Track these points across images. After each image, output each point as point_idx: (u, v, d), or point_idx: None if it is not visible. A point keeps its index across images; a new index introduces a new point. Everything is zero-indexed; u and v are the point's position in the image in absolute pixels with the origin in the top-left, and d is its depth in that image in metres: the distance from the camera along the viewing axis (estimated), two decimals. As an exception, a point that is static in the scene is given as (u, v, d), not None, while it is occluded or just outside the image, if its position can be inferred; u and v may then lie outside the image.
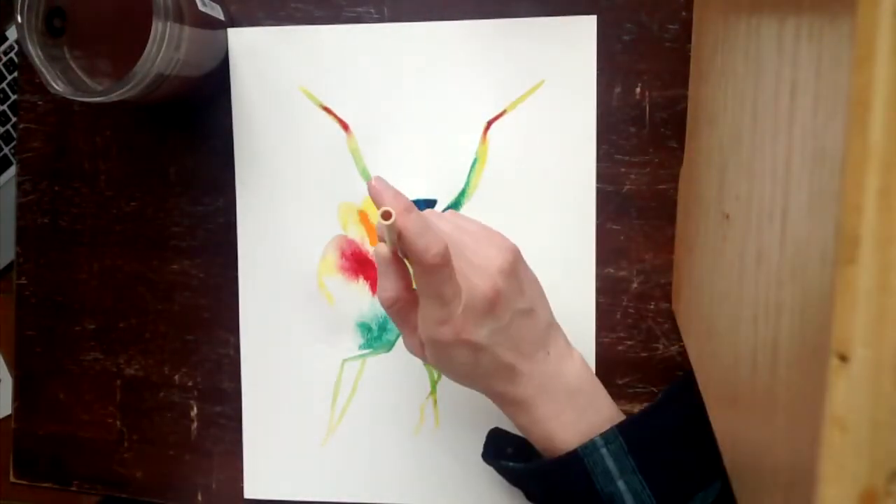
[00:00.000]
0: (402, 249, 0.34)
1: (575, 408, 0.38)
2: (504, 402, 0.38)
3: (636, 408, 0.44)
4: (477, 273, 0.35)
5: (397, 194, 0.34)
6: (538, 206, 0.45)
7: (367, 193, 0.46)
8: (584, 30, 0.44)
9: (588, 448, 0.36)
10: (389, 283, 0.36)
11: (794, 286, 0.21)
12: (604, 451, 0.36)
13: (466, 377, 0.38)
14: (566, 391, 0.38)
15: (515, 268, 0.37)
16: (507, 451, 0.41)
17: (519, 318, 0.37)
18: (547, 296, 0.40)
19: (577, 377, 0.39)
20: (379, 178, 0.35)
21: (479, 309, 0.35)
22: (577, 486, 0.37)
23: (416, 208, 0.34)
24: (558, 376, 0.38)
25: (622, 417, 0.39)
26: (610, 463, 0.36)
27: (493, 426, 0.42)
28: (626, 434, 0.37)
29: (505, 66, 0.45)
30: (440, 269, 0.33)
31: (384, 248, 0.35)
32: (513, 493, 0.43)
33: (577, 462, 0.36)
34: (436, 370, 0.41)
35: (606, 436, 0.37)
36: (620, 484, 0.36)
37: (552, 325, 0.40)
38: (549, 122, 0.44)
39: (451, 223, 0.38)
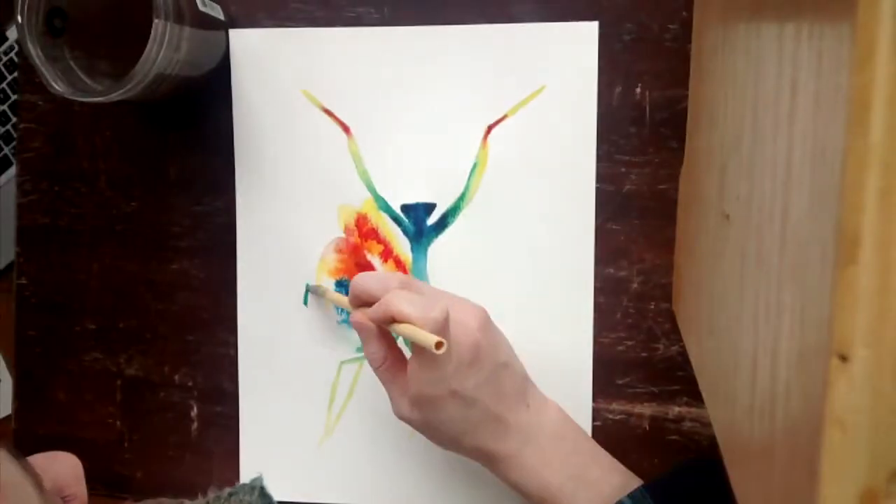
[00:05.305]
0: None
1: (560, 453, 0.40)
2: (494, 459, 0.40)
3: (636, 408, 0.44)
4: (458, 329, 0.37)
5: (383, 278, 0.38)
6: (537, 210, 0.45)
7: (366, 196, 0.46)
8: (585, 36, 0.44)
9: None
10: (375, 345, 0.39)
11: (794, 286, 0.21)
12: None
13: (456, 435, 0.39)
14: (550, 439, 0.40)
15: (489, 325, 0.39)
16: None
17: (499, 370, 0.39)
18: (547, 296, 0.40)
19: (558, 424, 0.41)
20: (359, 278, 0.39)
21: (465, 361, 0.37)
22: None
23: (407, 282, 0.38)
24: (540, 426, 0.40)
25: (604, 454, 0.42)
26: None
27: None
28: (652, 493, 0.39)
29: (506, 71, 0.45)
30: (445, 324, 0.35)
31: (363, 317, 0.38)
32: (510, 496, 0.43)
33: None
34: (424, 435, 0.41)
35: (634, 495, 0.39)
36: None
37: (527, 378, 0.42)
38: (549, 128, 0.44)
39: (430, 287, 0.42)
